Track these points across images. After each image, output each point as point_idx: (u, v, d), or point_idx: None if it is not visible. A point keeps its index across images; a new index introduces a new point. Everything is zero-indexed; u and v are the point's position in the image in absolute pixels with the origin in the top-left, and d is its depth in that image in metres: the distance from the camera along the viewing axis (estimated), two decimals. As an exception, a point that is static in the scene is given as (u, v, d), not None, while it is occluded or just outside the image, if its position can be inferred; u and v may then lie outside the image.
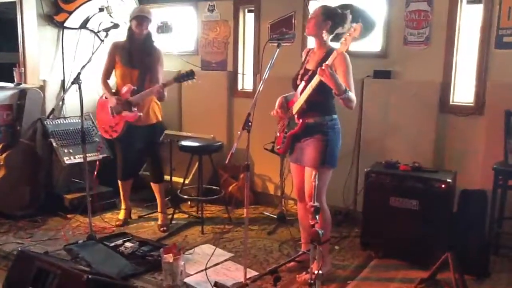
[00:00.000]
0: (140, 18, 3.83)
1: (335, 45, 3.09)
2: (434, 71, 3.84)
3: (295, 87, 3.14)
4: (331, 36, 3.07)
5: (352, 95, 2.90)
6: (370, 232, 3.58)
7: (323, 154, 3.02)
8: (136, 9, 4.05)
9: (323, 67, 2.74)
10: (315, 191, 2.61)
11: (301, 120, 3.03)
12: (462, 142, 3.80)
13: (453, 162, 3.81)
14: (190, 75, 3.69)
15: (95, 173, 4.26)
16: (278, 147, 3.26)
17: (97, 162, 4.33)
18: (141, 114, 3.85)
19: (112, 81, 4.06)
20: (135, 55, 3.88)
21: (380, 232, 3.51)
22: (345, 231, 4.04)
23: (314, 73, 2.97)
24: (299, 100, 3.01)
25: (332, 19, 3.00)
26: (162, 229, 4.06)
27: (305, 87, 2.98)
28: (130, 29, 3.91)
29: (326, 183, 3.12)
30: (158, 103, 4.04)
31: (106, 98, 3.99)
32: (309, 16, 3.05)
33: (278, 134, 3.29)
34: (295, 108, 3.05)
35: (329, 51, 3.00)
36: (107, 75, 4.01)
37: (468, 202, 3.38)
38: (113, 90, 3.97)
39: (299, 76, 3.13)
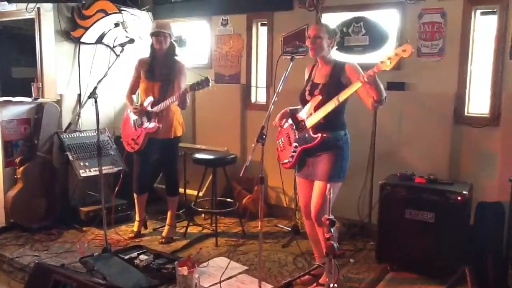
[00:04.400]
0: (157, 34, 3.91)
1: (335, 56, 3.16)
2: (449, 82, 3.82)
3: (304, 102, 3.15)
4: (332, 50, 3.13)
5: None
6: (386, 245, 3.55)
7: (338, 168, 3.02)
8: (153, 24, 4.11)
9: (370, 73, 2.71)
10: (330, 204, 2.61)
11: (319, 134, 3.00)
12: (477, 153, 3.76)
13: (468, 174, 3.77)
14: (205, 81, 3.70)
15: (118, 186, 4.29)
16: (286, 161, 3.22)
17: (122, 175, 4.35)
18: (160, 125, 3.89)
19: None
20: (157, 69, 3.96)
21: (395, 245, 3.47)
22: (360, 244, 4.01)
23: (325, 86, 3.01)
24: (318, 114, 2.99)
25: (332, 35, 3.08)
26: (162, 240, 4.07)
27: (322, 100, 2.97)
28: (152, 44, 3.99)
29: (335, 196, 3.10)
30: (180, 120, 4.08)
31: (129, 112, 4.09)
32: (309, 37, 3.07)
33: (281, 148, 3.27)
34: (311, 122, 3.03)
35: (337, 65, 3.05)
36: (132, 90, 4.12)
37: (485, 214, 3.33)
38: (137, 104, 4.04)
39: (307, 92, 3.14)
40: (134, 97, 4.16)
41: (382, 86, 2.84)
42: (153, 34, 3.93)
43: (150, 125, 3.91)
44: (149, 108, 3.91)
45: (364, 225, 4.19)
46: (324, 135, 2.99)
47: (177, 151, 4.23)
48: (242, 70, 5.00)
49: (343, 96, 2.86)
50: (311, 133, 3.04)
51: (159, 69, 3.96)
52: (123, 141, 4.22)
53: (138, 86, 4.09)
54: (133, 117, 4.04)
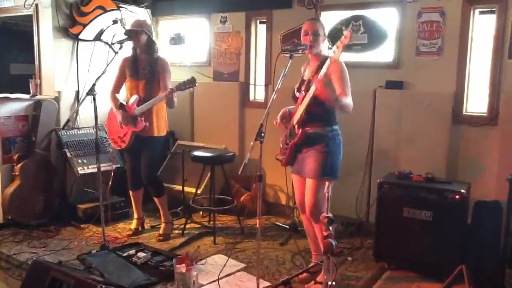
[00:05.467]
0: (128, 32, 3.93)
1: (327, 52, 3.19)
2: (447, 81, 3.83)
3: (295, 99, 3.18)
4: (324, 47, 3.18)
5: (346, 100, 2.94)
6: (383, 243, 3.55)
7: (324, 166, 3.04)
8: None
9: (316, 80, 2.82)
10: (329, 202, 2.61)
11: (300, 130, 3.06)
12: (475, 152, 3.77)
13: (466, 173, 3.78)
14: (191, 82, 3.74)
15: (110, 182, 4.28)
16: (281, 158, 3.27)
17: (112, 173, 4.34)
18: (147, 124, 3.88)
19: (122, 94, 4.11)
20: (140, 67, 3.94)
21: (393, 244, 3.48)
22: (357, 242, 4.01)
23: (310, 82, 3.04)
24: (299, 110, 3.06)
25: (325, 33, 3.15)
26: (159, 238, 4.07)
27: (304, 97, 3.01)
28: None
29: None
30: (165, 119, 4.06)
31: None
32: (307, 34, 3.10)
33: (282, 146, 3.31)
34: (295, 118, 3.10)
35: (324, 59, 3.06)
36: (115, 89, 4.08)
37: (483, 213, 3.34)
38: (123, 103, 3.98)
39: (296, 89, 3.18)
40: (119, 96, 4.08)
41: (329, 94, 2.87)
42: (124, 34, 3.96)
43: (138, 124, 3.88)
44: (135, 107, 3.87)
45: (362, 224, 4.20)
46: (306, 130, 3.04)
47: (159, 151, 4.16)
48: (241, 68, 4.99)
49: (309, 94, 2.92)
50: (296, 129, 3.09)
51: (141, 68, 3.94)
52: (109, 138, 4.20)
53: (121, 85, 4.06)
54: (118, 117, 4.00)
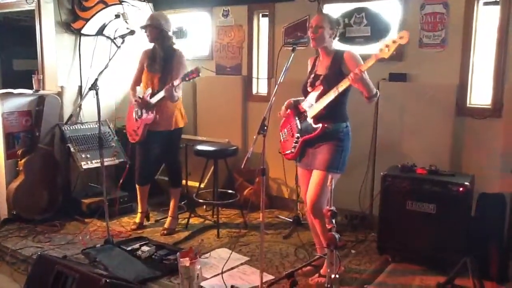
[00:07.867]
0: (144, 28, 3.97)
1: (336, 46, 3.15)
2: (451, 73, 3.80)
3: (306, 94, 3.16)
4: (334, 41, 3.13)
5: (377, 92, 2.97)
6: (387, 236, 3.55)
7: (337, 160, 3.03)
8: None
9: (356, 72, 2.76)
10: (331, 195, 2.61)
11: (320, 125, 3.01)
12: (479, 145, 3.75)
13: (470, 165, 3.76)
14: (195, 72, 3.75)
15: (123, 178, 4.30)
16: (288, 152, 3.24)
17: (127, 167, 4.37)
18: (157, 116, 3.90)
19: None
20: (157, 60, 3.96)
21: (396, 237, 3.47)
22: (361, 235, 4.01)
23: (326, 77, 3.02)
24: (318, 105, 3.01)
25: (334, 26, 3.08)
26: (163, 231, 4.09)
27: (323, 91, 2.97)
28: None
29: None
30: (182, 111, 4.09)
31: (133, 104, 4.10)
32: (311, 27, 3.07)
33: (284, 139, 3.28)
34: (312, 112, 3.05)
35: (337, 54, 3.05)
36: (135, 81, 4.14)
37: (486, 205, 3.33)
38: (139, 96, 4.05)
39: (309, 83, 3.14)
40: (138, 88, 4.15)
41: (370, 83, 2.88)
42: (141, 28, 4.00)
43: (149, 116, 3.92)
44: (148, 99, 3.91)
45: (365, 217, 4.20)
46: (325, 125, 3.00)
47: (179, 142, 4.24)
48: (243, 61, 4.98)
49: (340, 87, 2.88)
50: (312, 123, 3.04)
51: (159, 61, 3.96)
52: (127, 132, 4.23)
53: (141, 78, 4.09)
54: (135, 108, 4.05)
